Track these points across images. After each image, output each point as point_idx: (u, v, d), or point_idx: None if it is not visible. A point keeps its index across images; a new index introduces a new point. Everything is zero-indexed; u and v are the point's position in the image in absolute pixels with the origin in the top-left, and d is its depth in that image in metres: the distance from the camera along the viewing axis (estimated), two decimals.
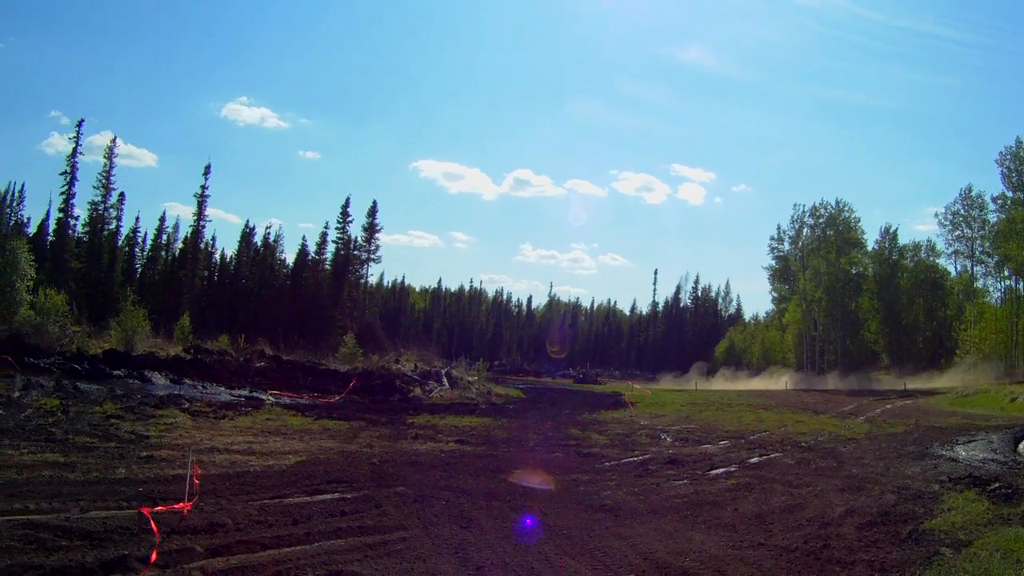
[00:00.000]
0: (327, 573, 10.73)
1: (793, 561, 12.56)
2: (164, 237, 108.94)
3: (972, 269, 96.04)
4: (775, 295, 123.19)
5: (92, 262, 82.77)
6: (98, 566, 10.32)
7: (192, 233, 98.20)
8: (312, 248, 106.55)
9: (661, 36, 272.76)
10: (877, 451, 27.20)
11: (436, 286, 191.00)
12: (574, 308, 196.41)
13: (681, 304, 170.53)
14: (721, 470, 22.40)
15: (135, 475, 17.00)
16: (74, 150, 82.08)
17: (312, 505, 15.01)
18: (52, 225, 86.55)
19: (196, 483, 14.98)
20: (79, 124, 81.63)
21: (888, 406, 50.66)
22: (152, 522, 12.10)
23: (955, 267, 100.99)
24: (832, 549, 13.26)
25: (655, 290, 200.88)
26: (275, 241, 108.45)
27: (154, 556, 10.78)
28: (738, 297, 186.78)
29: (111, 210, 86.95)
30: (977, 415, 44.59)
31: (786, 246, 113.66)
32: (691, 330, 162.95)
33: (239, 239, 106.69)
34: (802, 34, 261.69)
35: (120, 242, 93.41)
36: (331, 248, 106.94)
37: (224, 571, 10.66)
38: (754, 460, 24.63)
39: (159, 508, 13.23)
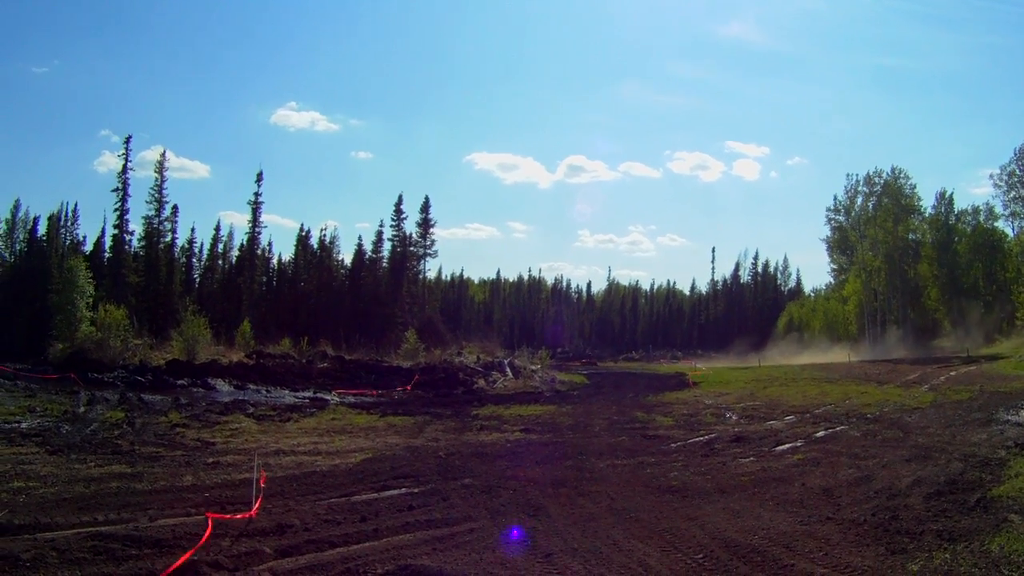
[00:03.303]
0: (396, 568, 10.74)
1: (862, 534, 12.48)
2: (220, 246, 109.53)
3: None
4: (834, 267, 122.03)
5: (150, 275, 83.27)
6: (168, 574, 10.36)
7: (248, 240, 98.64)
8: (368, 247, 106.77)
9: (700, 14, 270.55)
10: (942, 419, 27.02)
11: (495, 277, 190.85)
12: (634, 291, 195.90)
13: (741, 281, 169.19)
14: (787, 446, 22.35)
15: (202, 482, 17.12)
16: (124, 166, 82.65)
17: (379, 501, 15.07)
18: (108, 242, 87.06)
19: (263, 486, 15.04)
20: (127, 141, 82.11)
21: (952, 373, 50.10)
22: (220, 527, 12.16)
23: (1013, 229, 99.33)
24: (900, 520, 13.15)
25: (713, 268, 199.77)
26: (331, 242, 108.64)
27: (223, 560, 10.82)
28: (797, 271, 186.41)
29: (166, 223, 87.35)
30: None
31: (843, 217, 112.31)
32: (751, 307, 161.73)
33: (295, 243, 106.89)
34: (845, 3, 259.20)
35: (177, 253, 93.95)
36: (387, 246, 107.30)
37: (293, 571, 10.71)
38: (820, 434, 24.55)
39: (227, 515, 13.29)
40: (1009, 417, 26.25)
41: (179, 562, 10.49)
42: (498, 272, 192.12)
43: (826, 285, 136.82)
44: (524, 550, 11.78)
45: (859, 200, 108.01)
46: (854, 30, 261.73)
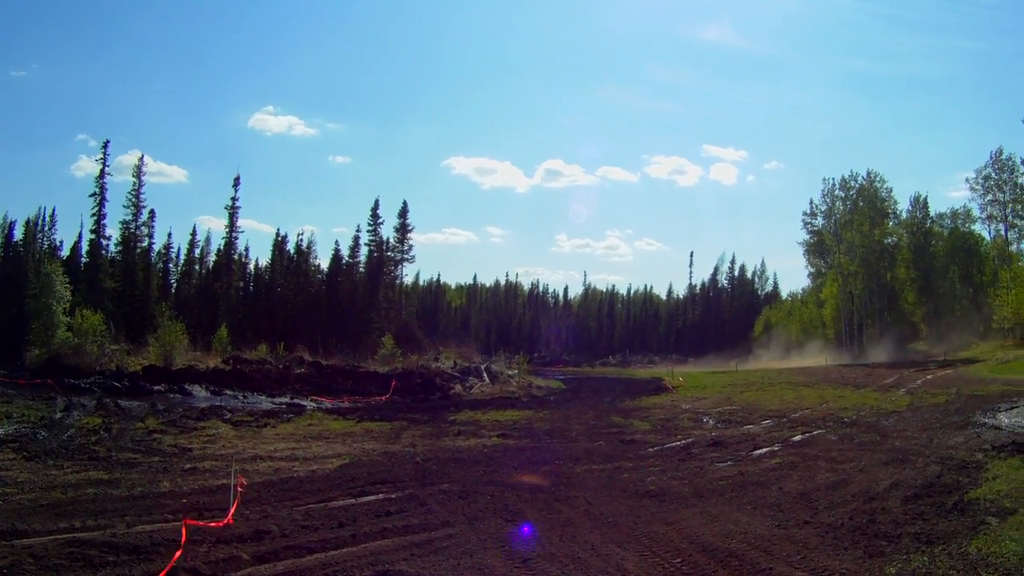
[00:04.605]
0: (374, 573, 10.78)
1: (839, 538, 12.57)
2: (197, 251, 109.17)
3: (1006, 233, 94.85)
4: (811, 270, 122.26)
5: (127, 280, 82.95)
6: None
7: (225, 245, 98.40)
8: (346, 252, 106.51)
9: (679, 17, 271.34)
10: (919, 422, 27.22)
11: (472, 282, 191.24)
12: (610, 296, 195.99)
13: (718, 286, 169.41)
14: (764, 450, 22.46)
15: (179, 488, 17.12)
16: (102, 171, 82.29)
17: (357, 507, 15.08)
18: (85, 247, 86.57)
19: (240, 492, 15.04)
20: (105, 145, 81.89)
21: (929, 376, 50.40)
22: (197, 534, 12.17)
23: (989, 232, 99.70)
24: (878, 524, 13.26)
25: (691, 273, 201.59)
26: (308, 248, 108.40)
27: (200, 566, 10.84)
28: (775, 275, 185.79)
29: (143, 228, 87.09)
30: (1018, 381, 44.28)
31: (819, 220, 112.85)
32: (729, 311, 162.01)
33: (272, 248, 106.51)
34: (821, 6, 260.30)
35: (154, 259, 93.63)
36: (364, 251, 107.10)
37: None
38: (797, 438, 24.68)
39: (204, 521, 13.30)
40: (986, 420, 26.39)
41: (164, 572, 10.48)
42: (475, 277, 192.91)
43: (803, 289, 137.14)
44: (501, 555, 11.81)
45: (835, 204, 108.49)
46: (831, 34, 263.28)
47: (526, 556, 11.69)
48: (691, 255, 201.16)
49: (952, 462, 18.78)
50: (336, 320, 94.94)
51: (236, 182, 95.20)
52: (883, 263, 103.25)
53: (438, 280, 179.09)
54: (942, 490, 15.59)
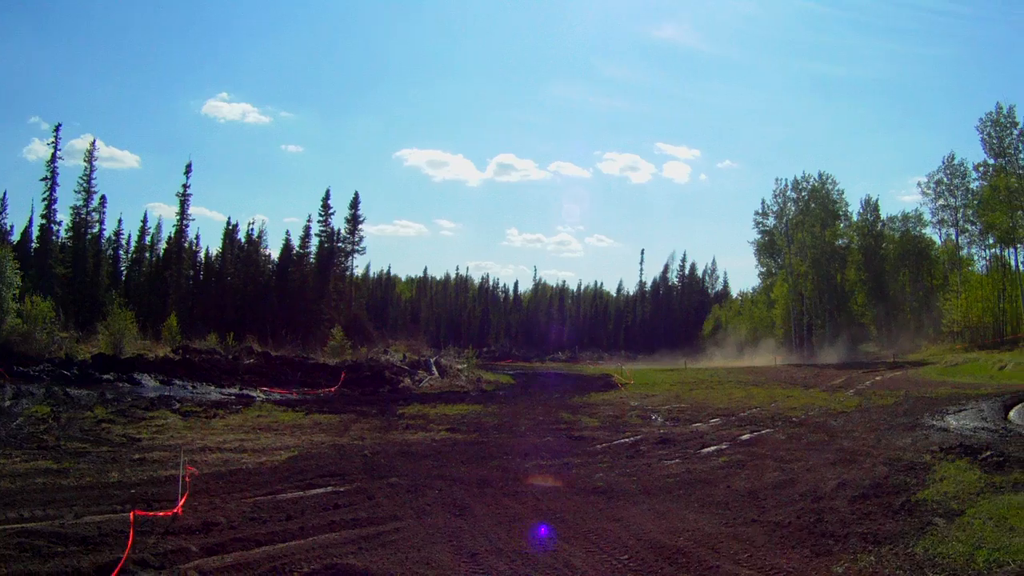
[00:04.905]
0: (323, 567, 10.76)
1: (786, 536, 12.64)
2: (148, 238, 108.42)
3: (957, 238, 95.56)
4: (762, 270, 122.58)
5: (77, 267, 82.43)
6: (94, 570, 10.37)
7: (176, 233, 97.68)
8: (296, 242, 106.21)
9: (635, 15, 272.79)
10: (868, 423, 27.39)
11: (422, 275, 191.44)
12: (560, 291, 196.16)
13: (669, 283, 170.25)
14: (712, 448, 22.52)
15: (128, 478, 17.06)
16: (53, 155, 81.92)
17: (305, 500, 15.08)
18: (35, 232, 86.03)
19: (189, 483, 15.04)
20: (57, 129, 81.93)
21: (878, 378, 50.90)
22: (145, 525, 12.18)
23: (940, 236, 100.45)
24: (825, 523, 13.34)
25: (642, 270, 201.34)
26: (259, 237, 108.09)
27: (148, 558, 10.85)
28: (725, 274, 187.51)
29: (93, 214, 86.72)
30: (966, 384, 44.84)
31: (771, 221, 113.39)
32: (679, 309, 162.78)
33: (223, 236, 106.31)
34: (781, 7, 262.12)
35: (104, 245, 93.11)
36: (315, 242, 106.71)
37: (219, 569, 10.71)
38: (745, 437, 24.77)
39: (152, 512, 13.30)
40: (934, 422, 26.64)
41: (116, 569, 10.48)
42: (425, 270, 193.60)
43: (753, 288, 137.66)
44: (449, 549, 11.87)
45: (787, 204, 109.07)
46: (788, 35, 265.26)
47: (474, 551, 11.73)
48: (642, 252, 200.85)
49: (900, 463, 18.93)
50: (286, 311, 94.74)
51: (188, 169, 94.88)
52: (834, 264, 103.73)
53: (388, 272, 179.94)
54: (890, 491, 15.72)
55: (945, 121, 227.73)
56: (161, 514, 13.06)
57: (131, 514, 12.21)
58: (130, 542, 11.32)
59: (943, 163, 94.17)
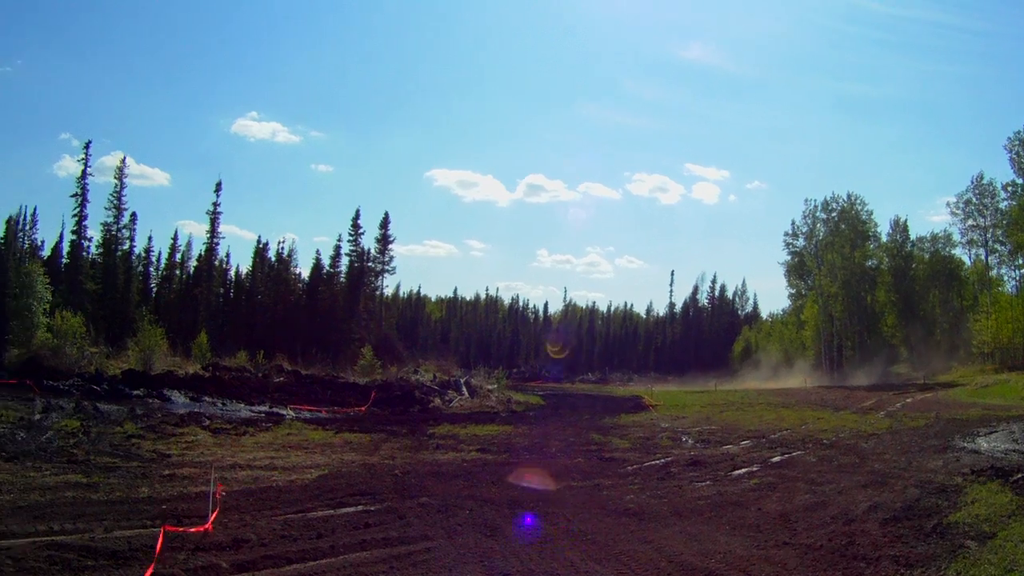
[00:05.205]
0: None
1: (818, 559, 12.57)
2: (178, 255, 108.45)
3: (986, 258, 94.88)
4: (792, 291, 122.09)
5: (107, 283, 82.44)
6: None
7: (206, 250, 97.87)
8: (326, 262, 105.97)
9: (663, 36, 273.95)
10: (899, 446, 27.25)
11: (452, 295, 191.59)
12: (590, 312, 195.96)
13: (698, 304, 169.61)
14: (743, 470, 22.42)
15: (158, 494, 17.06)
16: (84, 172, 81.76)
17: (336, 518, 15.03)
18: (66, 247, 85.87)
19: (219, 499, 15.01)
20: (87, 146, 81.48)
21: (908, 400, 50.59)
22: (176, 540, 12.14)
23: (969, 256, 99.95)
24: (857, 546, 13.27)
25: (672, 291, 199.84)
26: (289, 256, 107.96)
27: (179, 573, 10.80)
28: (755, 295, 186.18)
29: (124, 230, 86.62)
30: (997, 406, 44.49)
31: (800, 242, 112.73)
32: (708, 330, 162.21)
33: (253, 255, 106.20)
34: (807, 28, 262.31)
35: (134, 262, 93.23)
36: (345, 261, 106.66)
37: None
38: (776, 459, 24.65)
39: (183, 528, 13.26)
40: (965, 444, 26.50)
41: None
42: (455, 290, 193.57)
43: (783, 310, 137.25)
44: (480, 570, 11.79)
45: (817, 225, 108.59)
46: (816, 55, 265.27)
47: (505, 571, 11.66)
48: (672, 274, 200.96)
49: (931, 485, 18.83)
50: (316, 330, 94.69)
51: (218, 187, 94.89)
52: (864, 285, 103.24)
53: (418, 292, 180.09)
54: (921, 513, 15.64)
55: (973, 140, 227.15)
56: (192, 530, 13.03)
57: (162, 529, 12.19)
58: (156, 554, 11.30)
59: (972, 183, 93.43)
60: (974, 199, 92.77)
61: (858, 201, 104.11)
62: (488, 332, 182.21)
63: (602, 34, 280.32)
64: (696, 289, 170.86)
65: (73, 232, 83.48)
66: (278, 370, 57.23)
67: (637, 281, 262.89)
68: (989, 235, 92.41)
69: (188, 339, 69.40)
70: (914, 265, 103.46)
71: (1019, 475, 19.42)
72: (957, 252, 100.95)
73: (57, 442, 23.80)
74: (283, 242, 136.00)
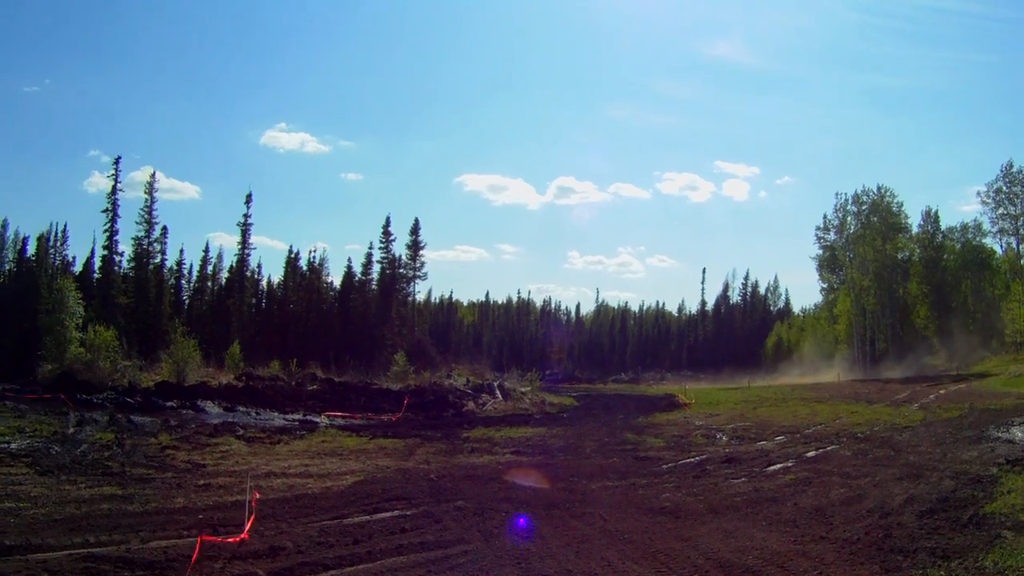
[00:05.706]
0: None
1: (855, 553, 12.53)
2: (210, 267, 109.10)
3: (1018, 246, 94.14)
4: (824, 286, 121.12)
5: (139, 296, 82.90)
6: None
7: (237, 262, 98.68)
8: (358, 269, 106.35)
9: (689, 33, 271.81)
10: (933, 437, 27.14)
11: (484, 299, 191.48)
12: (623, 312, 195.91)
13: (730, 302, 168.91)
14: (778, 466, 22.38)
15: (194, 503, 17.10)
16: (114, 187, 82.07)
17: (372, 524, 15.04)
18: (97, 262, 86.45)
19: (255, 508, 15.00)
20: (116, 161, 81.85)
21: (942, 391, 50.28)
22: (213, 549, 12.14)
23: (1001, 245, 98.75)
24: (894, 538, 13.23)
25: (703, 289, 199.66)
26: (320, 264, 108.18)
27: None
28: (787, 291, 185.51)
29: (155, 244, 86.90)
30: None
31: (832, 236, 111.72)
32: (741, 327, 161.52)
33: (285, 265, 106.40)
34: (833, 21, 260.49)
35: (166, 275, 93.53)
36: (376, 268, 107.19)
37: None
38: (811, 454, 24.60)
39: (219, 537, 13.25)
40: (999, 434, 26.36)
41: None
42: (487, 294, 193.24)
43: (815, 305, 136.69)
44: (517, 572, 11.76)
45: (848, 219, 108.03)
46: (842, 48, 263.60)
47: (543, 572, 11.64)
48: (703, 271, 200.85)
49: (967, 476, 18.76)
50: (349, 337, 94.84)
51: (248, 199, 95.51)
52: (896, 278, 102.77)
53: (450, 297, 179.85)
54: (957, 504, 15.58)
55: (1002, 128, 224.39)
56: (228, 539, 13.03)
57: (198, 539, 12.19)
58: (192, 563, 11.30)
59: (1001, 171, 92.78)
60: (1004, 187, 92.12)
61: (888, 193, 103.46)
62: (520, 335, 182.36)
63: (628, 34, 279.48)
64: (727, 286, 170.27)
65: (104, 247, 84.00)
66: (311, 378, 57.33)
67: (669, 280, 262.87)
68: (1020, 223, 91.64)
69: (221, 350, 69.57)
70: (945, 256, 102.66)
71: None
72: (988, 241, 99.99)
73: (92, 455, 23.87)
74: (314, 251, 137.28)
